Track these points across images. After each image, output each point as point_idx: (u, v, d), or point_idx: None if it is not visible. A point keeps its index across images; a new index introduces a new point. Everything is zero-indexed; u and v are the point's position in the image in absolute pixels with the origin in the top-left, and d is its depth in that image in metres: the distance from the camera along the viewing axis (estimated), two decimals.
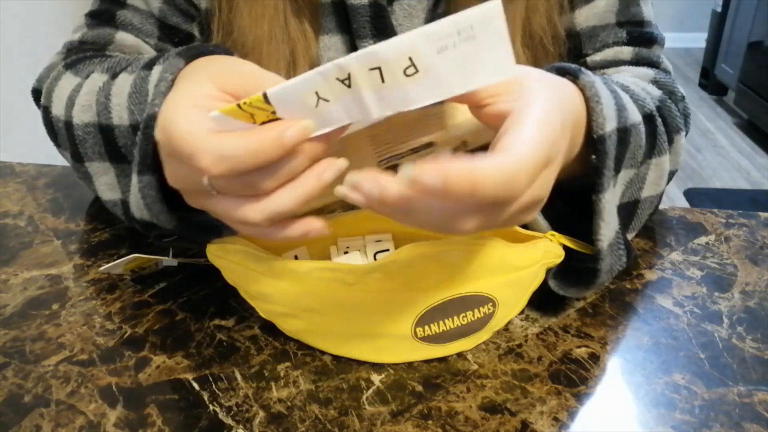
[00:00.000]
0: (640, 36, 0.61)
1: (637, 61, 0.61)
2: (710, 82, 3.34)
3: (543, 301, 0.51)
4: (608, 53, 0.62)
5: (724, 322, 0.49)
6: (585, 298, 0.51)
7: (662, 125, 0.51)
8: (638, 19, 0.62)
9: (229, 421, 0.40)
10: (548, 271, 0.46)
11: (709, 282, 0.53)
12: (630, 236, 0.53)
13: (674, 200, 2.34)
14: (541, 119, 0.33)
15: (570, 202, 0.46)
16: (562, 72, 0.43)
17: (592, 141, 0.41)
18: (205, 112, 0.33)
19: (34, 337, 0.47)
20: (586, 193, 0.43)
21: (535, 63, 0.60)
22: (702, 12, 3.83)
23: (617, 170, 0.45)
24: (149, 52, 0.60)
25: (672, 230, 0.61)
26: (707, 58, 3.38)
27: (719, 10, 3.24)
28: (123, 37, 0.59)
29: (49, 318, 0.49)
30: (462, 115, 0.34)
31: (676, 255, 0.57)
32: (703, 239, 0.59)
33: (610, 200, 0.43)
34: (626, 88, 0.50)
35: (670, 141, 0.53)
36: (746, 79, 2.89)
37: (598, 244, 0.43)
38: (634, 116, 0.46)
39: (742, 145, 2.80)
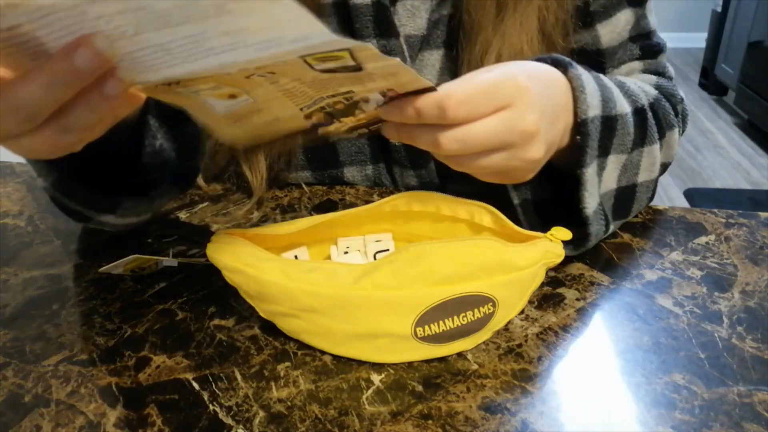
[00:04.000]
0: (650, 48, 0.65)
1: (645, 72, 0.66)
2: (710, 82, 3.34)
3: (543, 301, 0.51)
4: (623, 69, 0.66)
5: (724, 322, 0.49)
6: (585, 297, 0.51)
7: (653, 119, 0.57)
8: (647, 31, 0.65)
9: (229, 421, 0.40)
10: None
11: (709, 282, 0.53)
12: (629, 217, 0.59)
13: (674, 200, 2.35)
14: (495, 69, 0.40)
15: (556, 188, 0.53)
16: (555, 63, 0.48)
17: (575, 125, 0.48)
18: None
19: (34, 337, 0.47)
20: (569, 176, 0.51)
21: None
22: (702, 12, 3.83)
23: (605, 152, 0.51)
24: None
25: (672, 230, 0.61)
26: (707, 58, 3.39)
27: (719, 10, 3.24)
28: None
29: (49, 318, 0.49)
30: (371, 63, 0.34)
31: (676, 255, 0.57)
32: (703, 239, 0.59)
33: (592, 174, 0.50)
34: (622, 85, 0.56)
35: (662, 135, 0.58)
36: (746, 79, 2.89)
37: (584, 211, 0.50)
38: (622, 108, 0.52)
39: (742, 145, 2.80)
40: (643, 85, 0.60)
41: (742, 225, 0.61)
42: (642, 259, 0.56)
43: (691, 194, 2.36)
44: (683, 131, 0.66)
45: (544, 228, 0.46)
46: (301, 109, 0.39)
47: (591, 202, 0.50)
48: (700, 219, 0.63)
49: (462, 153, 0.40)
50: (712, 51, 3.30)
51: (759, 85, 2.78)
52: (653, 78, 0.64)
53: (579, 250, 0.53)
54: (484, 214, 0.48)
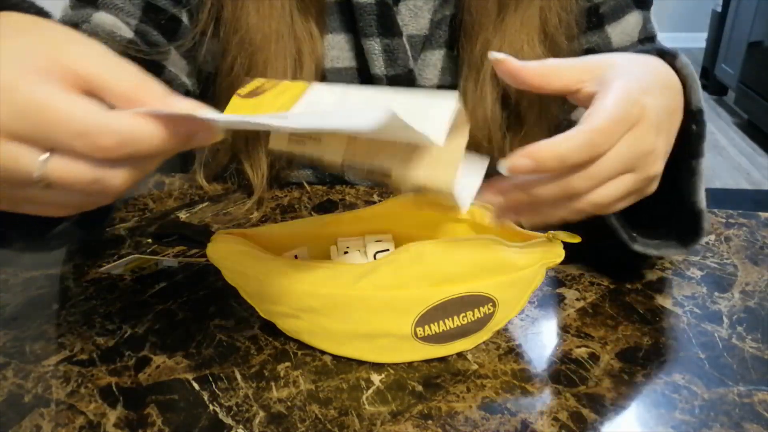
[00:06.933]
0: (656, 52, 0.64)
1: None
2: (710, 82, 3.34)
3: (543, 301, 0.51)
4: None
5: (724, 322, 0.49)
6: (585, 297, 0.51)
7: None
8: (652, 34, 0.65)
9: (229, 421, 0.40)
10: (636, 232, 0.49)
11: (709, 282, 0.53)
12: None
13: None
14: (617, 90, 0.39)
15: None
16: (662, 54, 0.48)
17: (689, 114, 0.46)
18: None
19: (34, 337, 0.47)
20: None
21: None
22: (702, 12, 3.83)
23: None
24: (127, 34, 0.59)
25: None
26: (707, 58, 3.39)
27: (719, 10, 3.24)
28: (101, 17, 0.58)
29: (49, 318, 0.49)
30: (423, 169, 0.33)
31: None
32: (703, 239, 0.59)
33: (705, 164, 0.48)
34: None
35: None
36: (746, 79, 2.89)
37: (698, 204, 0.48)
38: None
39: (742, 145, 2.80)
40: None
41: (742, 225, 0.61)
42: (642, 259, 0.56)
43: None
44: None
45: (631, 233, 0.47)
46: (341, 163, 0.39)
47: (702, 195, 0.49)
48: None
49: (594, 188, 0.39)
50: (712, 51, 3.30)
51: (759, 85, 2.78)
52: None
53: (690, 247, 0.51)
54: (485, 213, 0.48)
